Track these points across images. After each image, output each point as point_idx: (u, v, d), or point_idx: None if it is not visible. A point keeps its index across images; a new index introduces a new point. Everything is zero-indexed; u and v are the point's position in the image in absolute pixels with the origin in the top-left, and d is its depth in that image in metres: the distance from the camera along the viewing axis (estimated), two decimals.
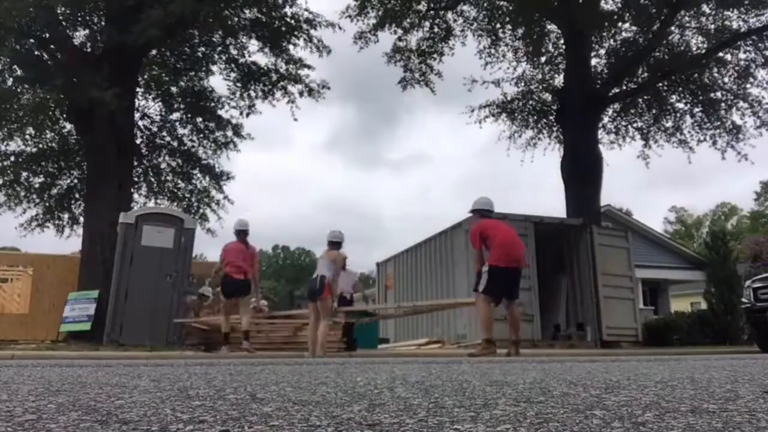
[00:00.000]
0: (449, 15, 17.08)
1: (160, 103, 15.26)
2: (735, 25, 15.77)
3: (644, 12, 15.16)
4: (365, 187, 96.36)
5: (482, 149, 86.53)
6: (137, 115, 14.12)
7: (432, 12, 16.83)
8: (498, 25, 17.02)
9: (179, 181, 15.32)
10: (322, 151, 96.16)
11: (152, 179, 15.19)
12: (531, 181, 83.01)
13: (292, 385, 2.29)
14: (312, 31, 13.56)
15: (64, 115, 13.42)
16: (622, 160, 51.64)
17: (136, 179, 14.12)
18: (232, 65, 14.65)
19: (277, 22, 13.55)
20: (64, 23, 12.19)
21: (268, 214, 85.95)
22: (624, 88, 16.35)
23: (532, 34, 16.17)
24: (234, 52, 14.43)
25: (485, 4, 16.66)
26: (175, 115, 15.29)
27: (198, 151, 15.25)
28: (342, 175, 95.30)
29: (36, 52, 12.03)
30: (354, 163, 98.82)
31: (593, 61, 16.52)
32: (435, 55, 17.18)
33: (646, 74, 16.24)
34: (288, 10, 13.55)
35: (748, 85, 16.04)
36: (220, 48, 14.42)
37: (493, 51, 17.23)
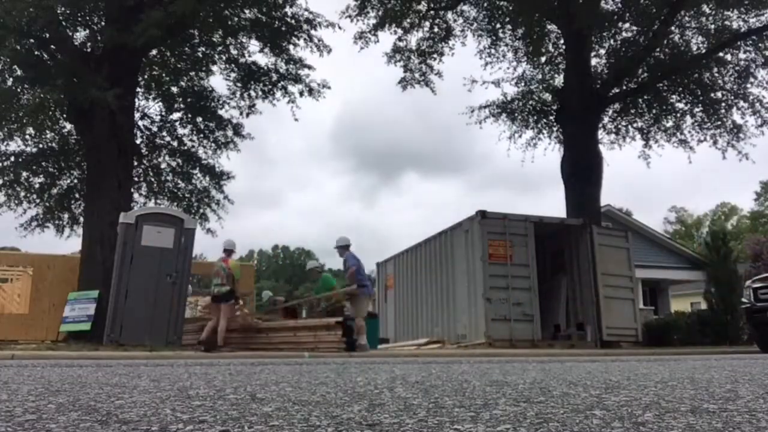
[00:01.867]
0: (449, 15, 17.09)
1: (160, 103, 15.25)
2: (735, 25, 15.79)
3: (644, 12, 15.16)
4: (375, 212, 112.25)
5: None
6: (137, 115, 14.10)
7: (432, 12, 16.82)
8: (498, 25, 17.03)
9: (179, 181, 15.29)
10: (341, 190, 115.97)
11: (152, 179, 15.17)
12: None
13: (292, 385, 2.29)
14: (312, 32, 13.57)
15: (64, 115, 13.40)
16: (622, 160, 51.58)
17: (136, 179, 14.10)
18: (232, 65, 14.65)
19: (277, 22, 13.55)
20: (64, 23, 12.18)
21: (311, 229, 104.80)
22: (624, 88, 16.34)
23: (532, 34, 16.16)
24: (234, 52, 14.43)
25: (485, 4, 16.66)
26: (175, 115, 15.27)
27: (198, 151, 15.25)
28: (355, 205, 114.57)
29: (36, 52, 12.01)
30: (364, 196, 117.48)
31: (593, 61, 16.52)
32: (435, 55, 17.19)
33: (646, 74, 16.23)
34: (288, 10, 13.56)
35: (749, 85, 16.04)
36: (220, 48, 14.41)
37: (493, 51, 17.26)
